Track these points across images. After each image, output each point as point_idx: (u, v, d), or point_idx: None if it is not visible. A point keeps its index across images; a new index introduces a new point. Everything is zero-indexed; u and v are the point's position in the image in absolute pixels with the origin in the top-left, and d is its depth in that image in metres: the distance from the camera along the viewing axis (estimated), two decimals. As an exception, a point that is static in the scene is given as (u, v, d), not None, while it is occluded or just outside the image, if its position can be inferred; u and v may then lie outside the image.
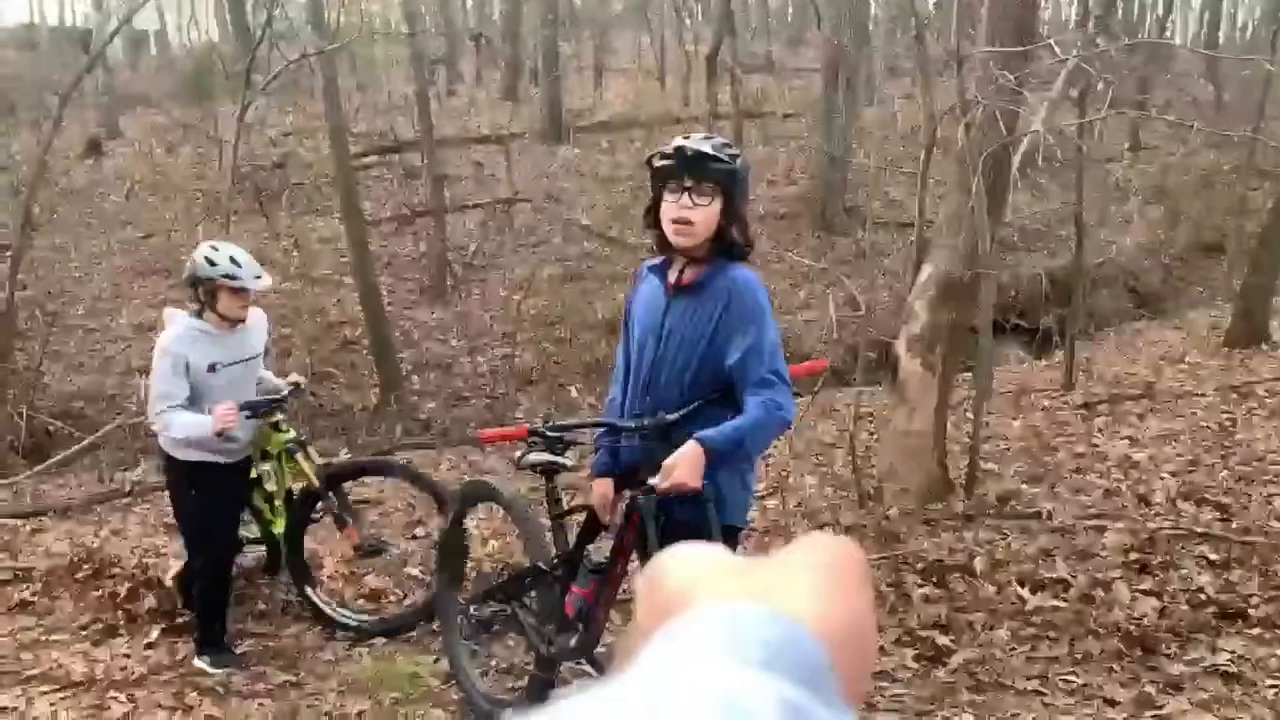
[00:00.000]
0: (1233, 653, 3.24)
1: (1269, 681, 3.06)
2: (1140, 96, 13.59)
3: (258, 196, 12.98)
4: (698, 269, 2.54)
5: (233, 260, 3.49)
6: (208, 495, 3.59)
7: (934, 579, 3.88)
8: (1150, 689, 3.07)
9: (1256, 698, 3.00)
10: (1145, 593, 3.66)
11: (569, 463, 2.83)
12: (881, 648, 3.46)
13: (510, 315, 9.85)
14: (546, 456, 2.79)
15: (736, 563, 0.37)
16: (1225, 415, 6.11)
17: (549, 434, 2.78)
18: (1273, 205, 8.46)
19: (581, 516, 2.93)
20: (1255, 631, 3.38)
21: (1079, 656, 3.31)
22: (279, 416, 3.83)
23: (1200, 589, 3.65)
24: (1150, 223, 12.95)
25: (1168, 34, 21.93)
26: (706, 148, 2.42)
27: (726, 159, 2.43)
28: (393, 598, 4.19)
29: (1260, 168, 11.66)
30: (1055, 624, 3.49)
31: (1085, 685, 3.14)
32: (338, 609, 3.95)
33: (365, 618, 3.95)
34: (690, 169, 2.40)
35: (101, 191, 14.28)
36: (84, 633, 3.89)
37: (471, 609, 3.27)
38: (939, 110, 5.37)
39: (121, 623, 3.94)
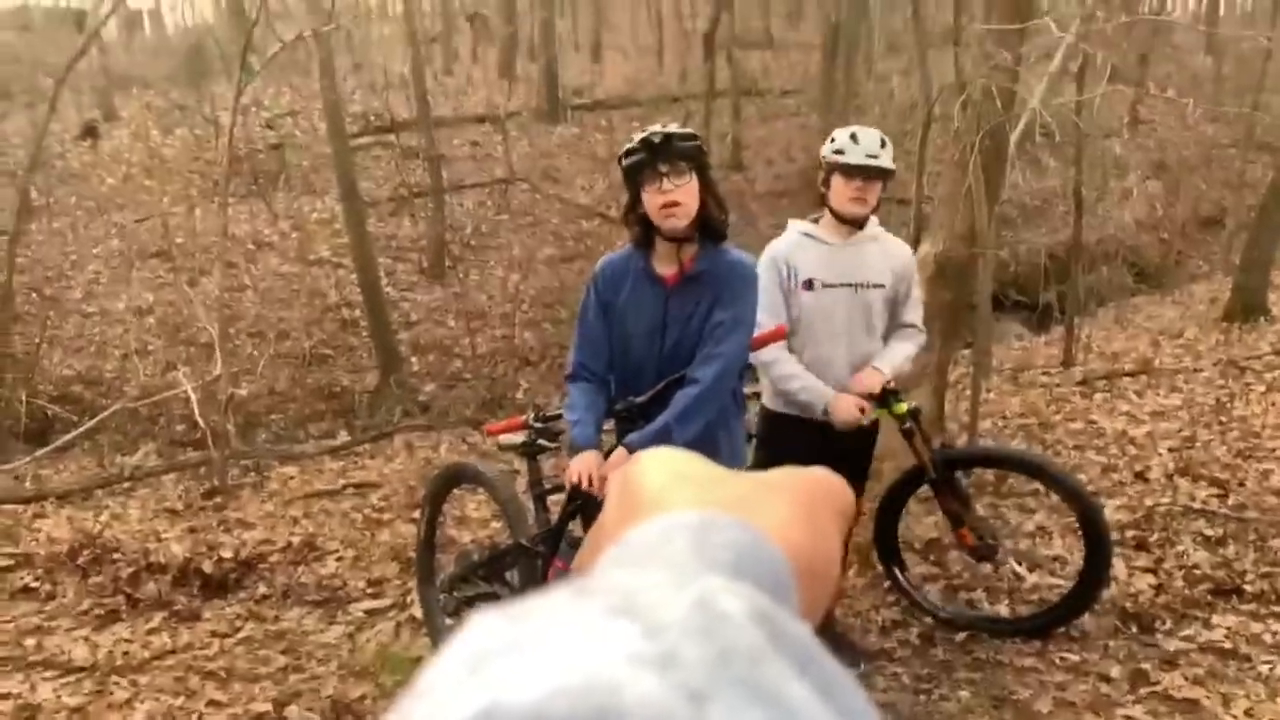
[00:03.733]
0: (1228, 629, 3.26)
1: (1264, 657, 3.08)
2: (1139, 71, 13.52)
3: (255, 179, 12.94)
4: (690, 256, 2.58)
5: (852, 137, 2.86)
6: (776, 449, 3.03)
7: (930, 557, 3.90)
8: (1146, 665, 3.09)
9: (1251, 673, 3.02)
10: (1142, 569, 3.68)
11: (550, 445, 2.94)
12: (881, 627, 3.48)
13: (509, 296, 9.85)
14: (529, 438, 2.96)
15: (715, 473, 0.37)
16: (1223, 390, 6.11)
17: (537, 424, 2.98)
18: (1271, 179, 8.43)
19: (563, 495, 2.97)
20: (1250, 607, 3.40)
21: (1075, 634, 3.32)
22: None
23: (1196, 565, 3.67)
24: (1149, 198, 12.91)
25: (1168, 9, 21.79)
26: (670, 129, 2.51)
27: (691, 137, 2.52)
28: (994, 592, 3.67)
29: (1259, 141, 11.61)
30: (1051, 601, 3.50)
31: (1082, 662, 3.16)
32: (927, 598, 3.51)
33: (968, 612, 3.49)
34: (662, 154, 2.47)
35: (98, 174, 14.23)
36: (86, 618, 3.91)
37: (454, 590, 3.29)
38: (937, 86, 5.34)
39: (123, 608, 3.97)
